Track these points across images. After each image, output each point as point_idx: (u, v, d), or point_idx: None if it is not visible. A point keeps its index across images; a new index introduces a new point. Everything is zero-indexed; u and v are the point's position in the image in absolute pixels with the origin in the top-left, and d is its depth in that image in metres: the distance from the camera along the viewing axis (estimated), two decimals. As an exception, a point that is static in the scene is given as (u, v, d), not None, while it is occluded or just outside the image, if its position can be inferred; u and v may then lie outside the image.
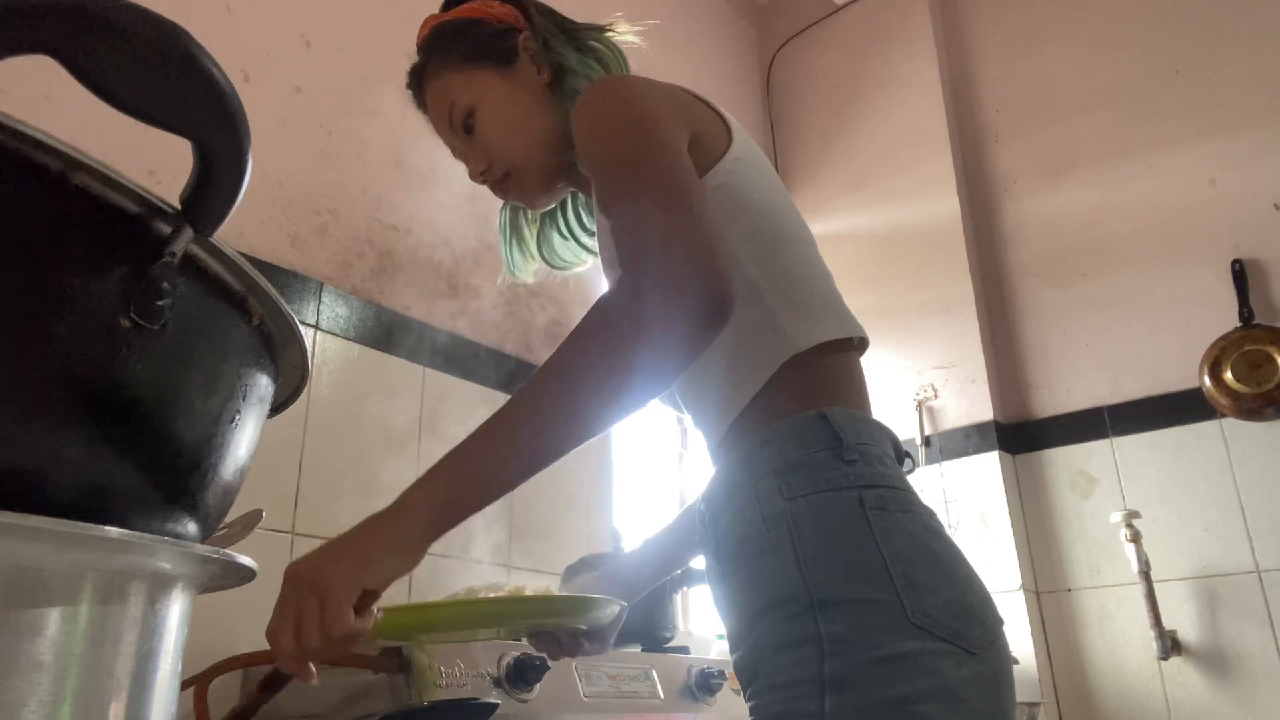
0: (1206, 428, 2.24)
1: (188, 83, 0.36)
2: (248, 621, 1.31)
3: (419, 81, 1.00)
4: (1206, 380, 2.23)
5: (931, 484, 2.47)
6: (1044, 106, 2.72)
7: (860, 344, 0.86)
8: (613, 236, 0.71)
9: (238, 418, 0.44)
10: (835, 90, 3.08)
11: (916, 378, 2.64)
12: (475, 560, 1.68)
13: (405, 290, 1.75)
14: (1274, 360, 2.15)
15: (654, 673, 1.35)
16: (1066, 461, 2.43)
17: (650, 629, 1.62)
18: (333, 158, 1.68)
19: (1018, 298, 2.64)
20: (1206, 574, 2.17)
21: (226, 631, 1.23)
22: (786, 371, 0.78)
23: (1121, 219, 2.50)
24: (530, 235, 1.09)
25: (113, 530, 0.34)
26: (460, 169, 1.00)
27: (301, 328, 0.51)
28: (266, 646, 1.22)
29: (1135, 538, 2.19)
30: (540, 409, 0.68)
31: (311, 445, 1.45)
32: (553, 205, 1.04)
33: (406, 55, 1.01)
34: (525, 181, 0.96)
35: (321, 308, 1.56)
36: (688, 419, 0.92)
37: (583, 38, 0.97)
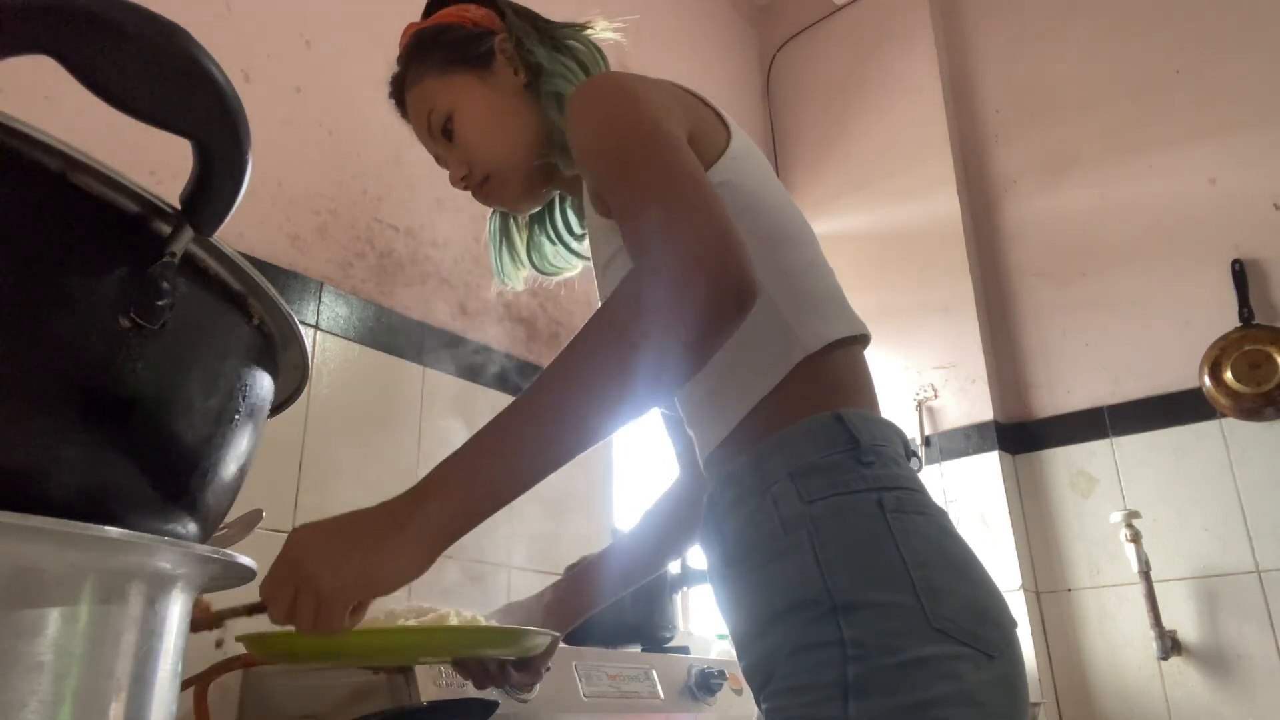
0: (1206, 428, 2.24)
1: (188, 83, 0.35)
2: (248, 621, 1.31)
3: (400, 90, 1.00)
4: (1206, 380, 2.23)
5: (931, 484, 2.47)
6: (1044, 106, 2.72)
7: (864, 340, 0.85)
8: (622, 235, 0.68)
9: (238, 418, 0.44)
10: (835, 90, 3.08)
11: (916, 378, 2.64)
12: (474, 561, 1.68)
13: (405, 290, 1.75)
14: (1274, 360, 2.15)
15: (654, 673, 1.35)
16: (1066, 461, 2.43)
17: (650, 629, 1.62)
18: (333, 158, 1.68)
19: (1018, 298, 2.64)
20: (1206, 574, 2.17)
21: (226, 632, 1.23)
22: (797, 372, 0.77)
23: (1121, 219, 2.50)
24: (520, 242, 1.09)
25: (113, 530, 0.34)
26: (458, 169, 1.00)
27: (301, 328, 0.51)
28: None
29: (1135, 538, 2.19)
30: (556, 410, 0.64)
31: (311, 445, 1.45)
32: (537, 208, 1.03)
33: (385, 65, 1.01)
34: (506, 185, 0.96)
35: (321, 308, 1.56)
36: (683, 418, 0.90)
37: (559, 37, 0.96)
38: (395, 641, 0.76)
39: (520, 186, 0.96)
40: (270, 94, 1.60)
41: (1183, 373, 2.29)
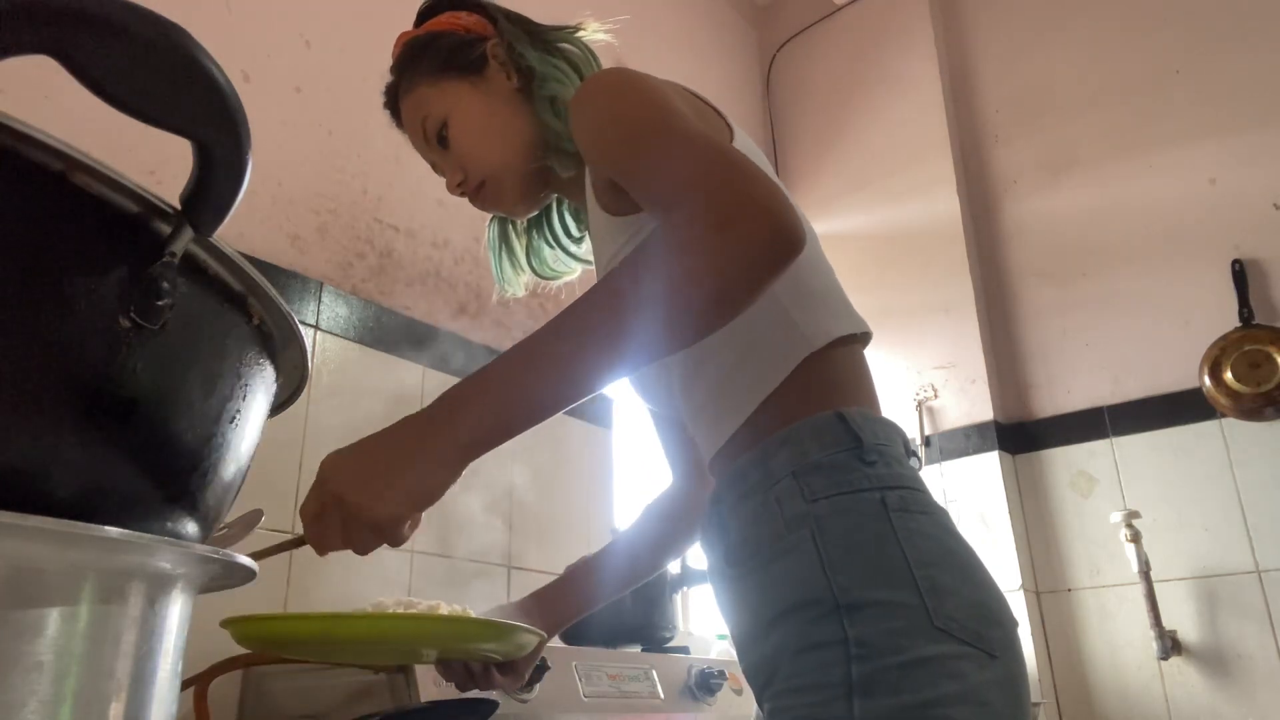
0: (1206, 428, 2.24)
1: (188, 83, 0.35)
2: (233, 606, 1.31)
3: (394, 99, 1.00)
4: (1206, 380, 2.23)
5: (932, 484, 2.46)
6: (1044, 106, 2.72)
7: (865, 338, 0.85)
8: (651, 203, 0.66)
9: (238, 418, 0.44)
10: (835, 90, 3.08)
11: (916, 378, 2.64)
12: (474, 560, 1.68)
13: (405, 290, 1.75)
14: (1274, 360, 2.15)
15: (654, 673, 1.35)
16: (1066, 461, 2.43)
17: (650, 629, 1.62)
18: (333, 158, 1.68)
19: (1018, 298, 2.64)
20: (1206, 574, 2.17)
21: (227, 631, 1.23)
22: (801, 369, 0.77)
23: (1121, 219, 2.50)
24: (520, 248, 1.09)
25: (113, 530, 0.34)
26: (458, 170, 1.00)
27: (301, 328, 0.51)
28: (266, 646, 1.20)
29: (1135, 538, 2.19)
30: (600, 328, 0.62)
31: (311, 445, 1.45)
32: (534, 212, 1.03)
33: (383, 69, 1.01)
34: (502, 190, 0.96)
35: (321, 308, 1.56)
36: (685, 417, 0.89)
37: (550, 40, 0.96)
38: (383, 628, 0.75)
39: (517, 191, 0.96)
40: (270, 94, 1.60)
41: (1183, 373, 2.29)
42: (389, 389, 1.64)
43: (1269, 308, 2.24)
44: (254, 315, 0.44)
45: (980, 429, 2.49)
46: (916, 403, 2.60)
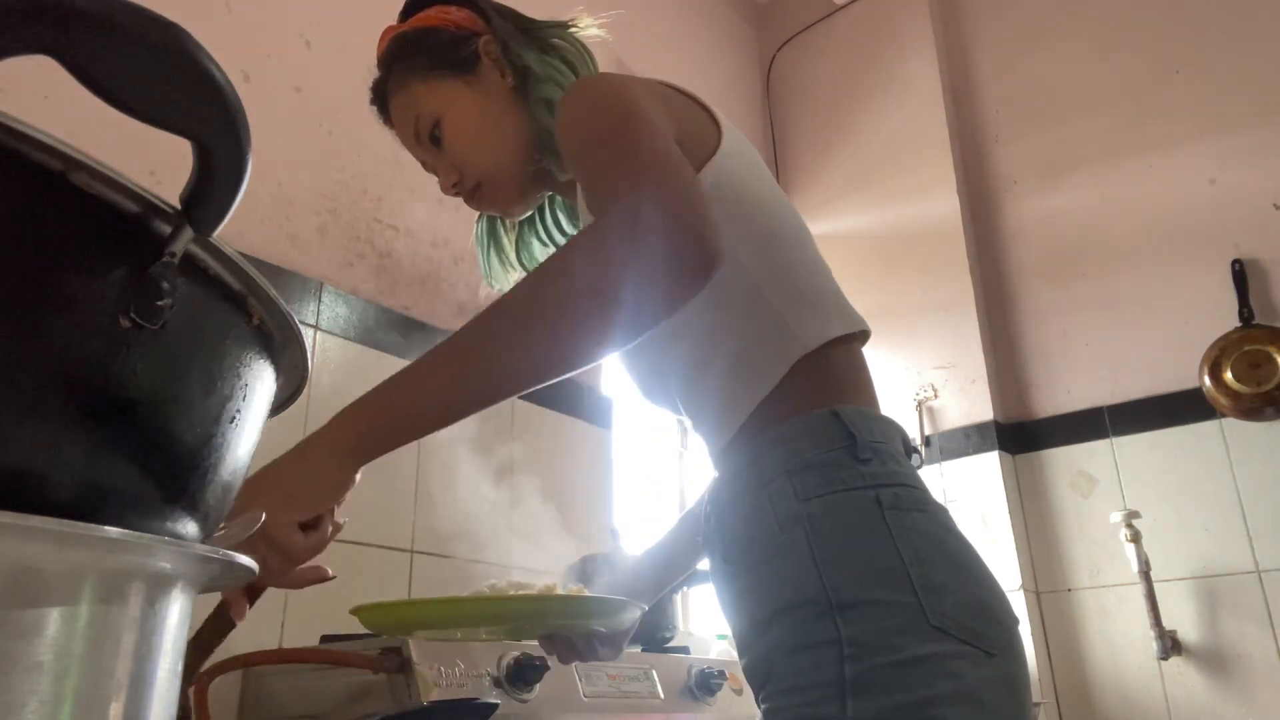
0: (1206, 428, 2.24)
1: (188, 83, 0.35)
2: (248, 621, 1.31)
3: (382, 96, 0.98)
4: (1206, 380, 2.23)
5: (932, 484, 2.46)
6: (1044, 106, 2.73)
7: (863, 336, 0.84)
8: (588, 201, 0.67)
9: (238, 418, 0.44)
10: (835, 90, 3.08)
11: (916, 378, 2.64)
12: (474, 560, 1.68)
13: (405, 290, 1.75)
14: (1274, 360, 2.15)
15: (654, 673, 1.35)
16: (1066, 461, 2.43)
17: (650, 629, 1.62)
18: (333, 158, 1.68)
19: (1018, 298, 2.65)
20: (1206, 574, 2.17)
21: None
22: (796, 370, 0.77)
23: (1121, 219, 2.51)
24: (509, 244, 1.07)
25: (113, 530, 0.34)
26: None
27: (301, 328, 0.51)
28: (266, 646, 1.22)
29: (1135, 538, 2.19)
30: (497, 341, 0.64)
31: (311, 445, 1.45)
32: (529, 212, 1.02)
33: (368, 69, 0.99)
34: (498, 190, 0.94)
35: (321, 308, 1.56)
36: (688, 422, 0.89)
37: (544, 36, 0.95)
38: (505, 609, 0.80)
39: (513, 191, 0.95)
40: (270, 94, 1.60)
41: (1183, 373, 2.29)
42: (389, 389, 1.64)
43: (1269, 308, 2.24)
44: (254, 315, 0.44)
45: (980, 429, 2.49)
46: (916, 403, 2.60)
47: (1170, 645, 2.14)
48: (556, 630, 0.89)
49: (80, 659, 0.33)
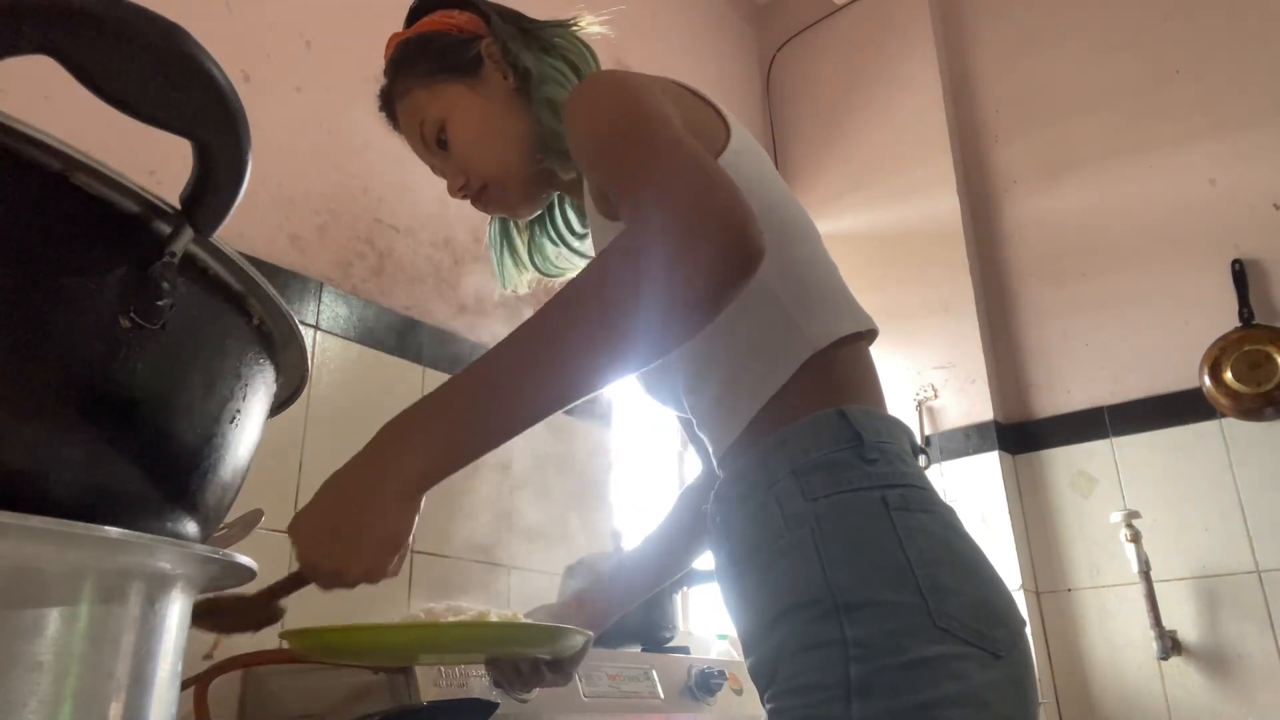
0: (1206, 428, 2.24)
1: (188, 83, 0.35)
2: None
3: (389, 102, 0.98)
4: (1206, 380, 2.23)
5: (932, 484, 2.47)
6: (1044, 106, 2.72)
7: (870, 335, 0.84)
8: (621, 206, 0.65)
9: (238, 418, 0.44)
10: (835, 90, 3.08)
11: (916, 378, 2.64)
12: (474, 560, 1.68)
13: (405, 290, 1.75)
14: (1274, 360, 2.15)
15: (654, 673, 1.35)
16: (1066, 461, 2.43)
17: (650, 629, 1.62)
18: (333, 158, 1.68)
19: (1018, 298, 2.64)
20: (1206, 574, 2.17)
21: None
22: (804, 369, 0.76)
23: (1121, 219, 2.50)
24: (522, 245, 1.07)
25: (113, 530, 0.34)
26: (458, 170, 0.99)
27: (301, 328, 0.51)
28: (266, 646, 1.22)
29: (1135, 538, 2.19)
30: (547, 359, 0.61)
31: (311, 445, 1.45)
32: (537, 212, 1.02)
33: (374, 77, 0.99)
34: (505, 191, 0.94)
35: (321, 308, 1.56)
36: (692, 419, 0.89)
37: (545, 36, 0.95)
38: (437, 636, 0.78)
39: (519, 193, 0.95)
40: (270, 94, 1.60)
41: (1183, 373, 2.29)
42: (389, 389, 1.64)
43: (1269, 308, 2.24)
44: (254, 315, 0.44)
45: (980, 429, 2.49)
46: (916, 403, 2.60)
47: (1170, 645, 2.14)
48: (496, 657, 0.88)
49: (80, 659, 0.33)
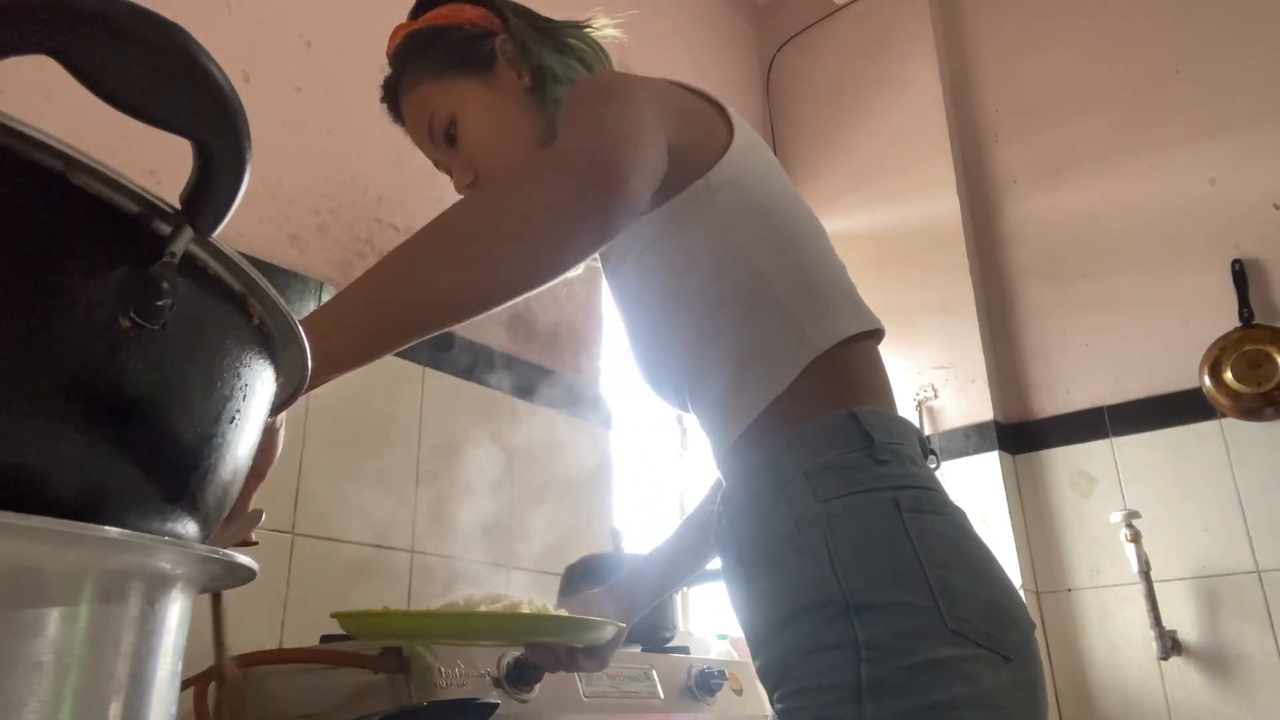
0: (1206, 428, 2.24)
1: (188, 83, 0.35)
2: (248, 621, 1.32)
3: (394, 94, 0.96)
4: (1206, 380, 2.23)
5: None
6: (1044, 106, 2.72)
7: (878, 334, 0.84)
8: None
9: (238, 417, 0.44)
10: (835, 90, 3.08)
11: (916, 378, 2.64)
12: (475, 560, 1.68)
13: (405, 290, 1.74)
14: (1274, 360, 2.15)
15: (654, 673, 1.35)
16: (1066, 461, 2.43)
17: (650, 629, 1.62)
18: (333, 158, 1.68)
19: (1018, 298, 2.64)
20: (1206, 574, 2.17)
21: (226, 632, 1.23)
22: (810, 370, 0.76)
23: (1121, 219, 2.51)
24: None
25: (113, 530, 0.34)
26: (460, 169, 0.99)
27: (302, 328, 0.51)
28: (266, 646, 1.22)
29: (1135, 538, 2.19)
30: (425, 258, 0.65)
31: (311, 445, 1.45)
32: None
33: (382, 67, 0.98)
34: None
35: (321, 308, 1.56)
36: (689, 419, 0.89)
37: (561, 36, 0.94)
38: (471, 625, 0.84)
39: None
40: (270, 94, 1.60)
41: (1183, 373, 2.29)
42: (389, 389, 1.64)
43: (1269, 308, 2.24)
44: (254, 315, 0.44)
45: (980, 429, 2.49)
46: (916, 403, 2.60)
47: (1170, 645, 2.14)
48: (533, 643, 0.91)
49: (80, 659, 0.33)
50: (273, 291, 0.44)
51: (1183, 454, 2.26)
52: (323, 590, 1.40)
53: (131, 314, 0.35)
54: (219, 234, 0.39)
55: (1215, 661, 2.11)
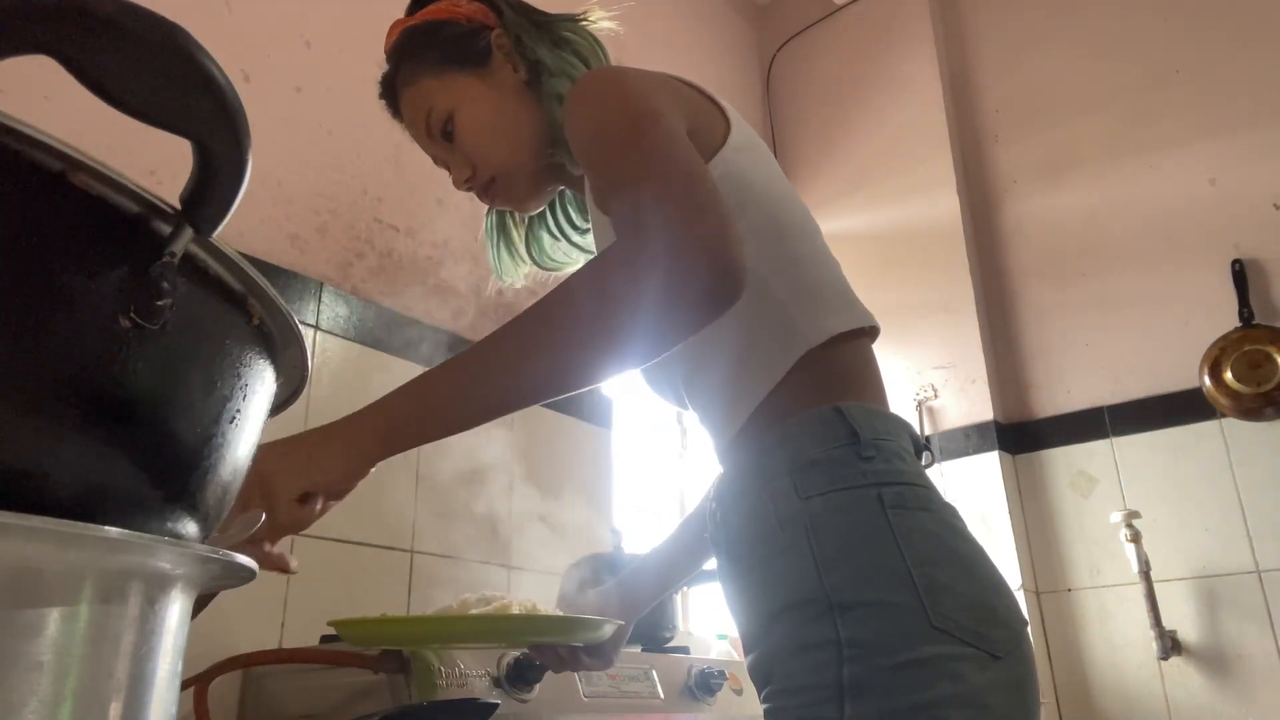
0: (1206, 428, 2.24)
1: (188, 83, 0.35)
2: (248, 621, 1.32)
3: (392, 90, 0.96)
4: (1206, 380, 2.23)
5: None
6: (1044, 106, 2.72)
7: (872, 332, 0.84)
8: (612, 215, 0.67)
9: (238, 418, 0.44)
10: (835, 90, 3.08)
11: (916, 378, 2.64)
12: (476, 561, 1.68)
13: (405, 290, 1.75)
14: (1274, 360, 2.15)
15: (654, 673, 1.35)
16: (1066, 461, 2.43)
17: (650, 629, 1.62)
18: (333, 158, 1.68)
19: (1018, 298, 2.64)
20: (1206, 574, 2.17)
21: (226, 631, 1.23)
22: (800, 366, 0.76)
23: (1121, 219, 2.51)
24: (519, 238, 1.06)
25: (113, 530, 0.34)
26: (458, 168, 0.99)
27: (301, 328, 0.51)
28: (266, 646, 1.22)
29: (1135, 538, 2.19)
30: (522, 352, 0.64)
31: (311, 445, 1.45)
32: (542, 207, 1.01)
33: (381, 66, 0.98)
34: (512, 185, 0.93)
35: (321, 308, 1.56)
36: (690, 417, 0.89)
37: (557, 30, 0.93)
38: (465, 628, 0.85)
39: (527, 187, 0.94)
40: (270, 94, 1.60)
41: (1183, 373, 2.29)
42: (389, 389, 1.64)
43: (1269, 308, 2.24)
44: (254, 315, 0.44)
45: (980, 429, 2.49)
46: (916, 403, 2.60)
47: (1170, 645, 2.14)
48: (530, 645, 0.92)
49: (80, 659, 0.33)
50: (273, 291, 0.44)
51: (1183, 454, 2.26)
52: (323, 590, 1.40)
53: (131, 314, 0.35)
54: (219, 234, 0.39)
55: (1215, 661, 2.11)
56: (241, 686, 1.24)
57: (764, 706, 0.72)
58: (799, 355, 0.76)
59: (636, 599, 1.02)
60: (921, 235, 2.75)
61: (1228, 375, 2.19)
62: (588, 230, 1.06)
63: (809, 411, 0.74)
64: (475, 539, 1.69)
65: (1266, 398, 2.14)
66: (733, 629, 2.04)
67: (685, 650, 1.62)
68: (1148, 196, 2.47)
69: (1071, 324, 2.53)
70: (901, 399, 2.62)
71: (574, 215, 1.05)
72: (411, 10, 0.98)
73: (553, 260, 1.07)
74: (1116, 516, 2.23)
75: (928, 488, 0.74)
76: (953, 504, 0.76)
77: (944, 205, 2.72)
